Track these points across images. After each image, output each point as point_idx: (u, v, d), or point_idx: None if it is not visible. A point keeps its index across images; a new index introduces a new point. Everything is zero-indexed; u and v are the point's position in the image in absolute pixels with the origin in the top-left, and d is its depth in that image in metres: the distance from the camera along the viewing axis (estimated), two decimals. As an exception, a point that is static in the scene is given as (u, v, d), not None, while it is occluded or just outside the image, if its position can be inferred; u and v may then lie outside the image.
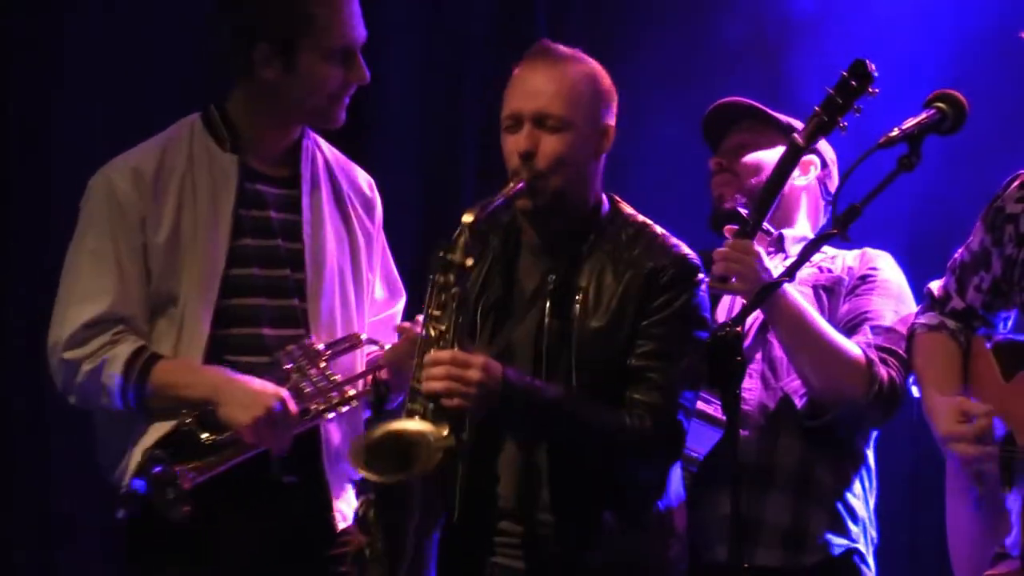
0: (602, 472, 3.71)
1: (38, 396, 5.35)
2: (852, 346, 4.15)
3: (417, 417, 3.60)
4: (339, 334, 4.16)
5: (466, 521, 3.73)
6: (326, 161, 4.27)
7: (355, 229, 4.26)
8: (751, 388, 4.24)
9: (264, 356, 4.07)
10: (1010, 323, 4.04)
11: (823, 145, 4.43)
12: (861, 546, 4.27)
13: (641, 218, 3.86)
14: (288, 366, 4.05)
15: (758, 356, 4.27)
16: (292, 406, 3.97)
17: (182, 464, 3.91)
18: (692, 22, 5.74)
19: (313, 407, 4.04)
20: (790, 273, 3.78)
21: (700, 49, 5.65)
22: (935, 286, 4.13)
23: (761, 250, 4.13)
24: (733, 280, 4.07)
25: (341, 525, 4.11)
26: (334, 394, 4.05)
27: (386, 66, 5.80)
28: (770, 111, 4.45)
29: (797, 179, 4.40)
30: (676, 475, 3.83)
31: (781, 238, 4.37)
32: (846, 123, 4.08)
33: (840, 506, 4.24)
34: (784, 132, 4.33)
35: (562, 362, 3.71)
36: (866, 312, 4.25)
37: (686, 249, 3.80)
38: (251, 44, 4.06)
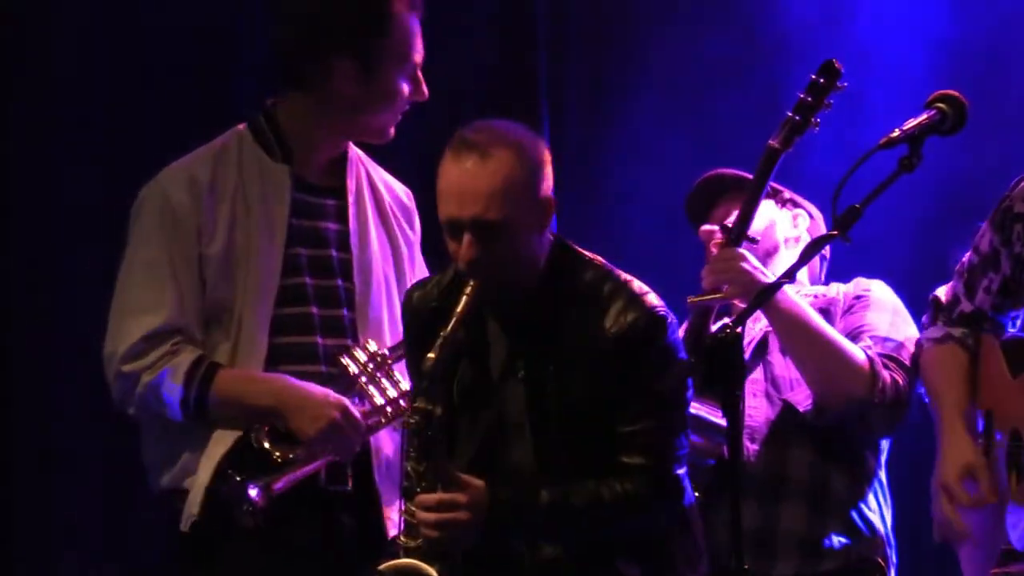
0: (611, 541, 3.72)
1: (37, 397, 5.36)
2: (854, 347, 4.16)
3: (415, 555, 3.67)
4: (388, 342, 4.17)
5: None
6: (368, 173, 4.28)
7: (398, 238, 4.28)
8: (755, 406, 4.25)
9: (318, 365, 4.09)
10: (1019, 323, 4.04)
11: (808, 205, 4.44)
12: (881, 559, 4.29)
13: (598, 260, 3.79)
14: (355, 372, 4.07)
15: (759, 375, 4.28)
16: (356, 414, 4.00)
17: (254, 480, 3.94)
18: (692, 26, 5.74)
19: (382, 416, 4.07)
20: (790, 275, 3.76)
21: (700, 54, 5.65)
22: (941, 292, 4.13)
23: (747, 253, 4.12)
24: (725, 288, 4.08)
25: (392, 532, 4.07)
26: (403, 402, 4.07)
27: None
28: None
29: (788, 231, 4.39)
30: (692, 510, 3.82)
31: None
32: (819, 120, 4.14)
33: (855, 515, 4.26)
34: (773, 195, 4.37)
35: (551, 438, 3.69)
36: (862, 326, 4.25)
37: (650, 297, 3.71)
38: (331, 59, 4.06)
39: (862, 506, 4.27)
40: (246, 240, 4.09)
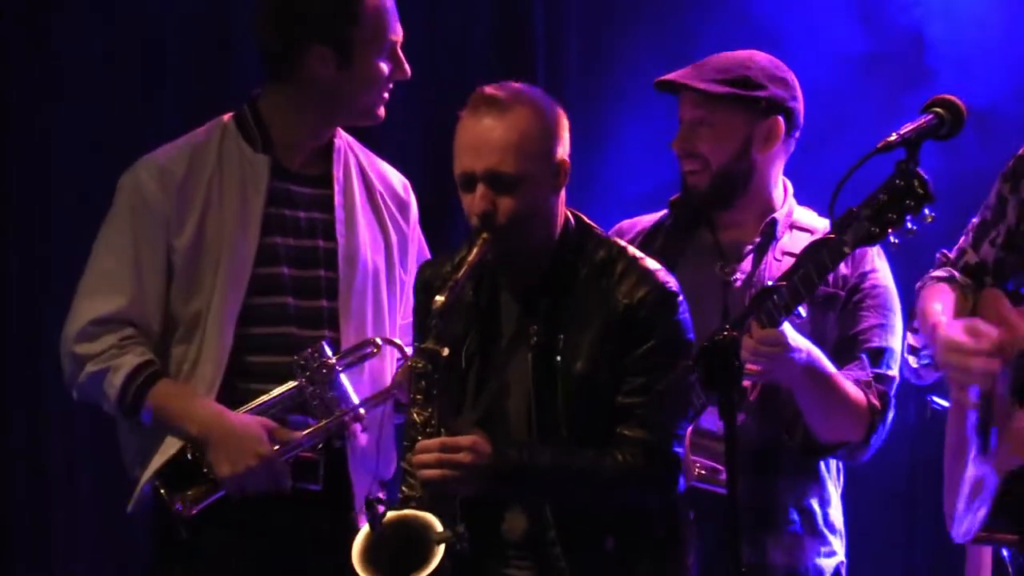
0: (605, 513, 3.72)
1: (36, 396, 5.37)
2: (858, 395, 4.15)
3: (414, 504, 3.65)
4: (369, 333, 4.17)
5: (472, 556, 3.70)
6: (359, 161, 4.28)
7: (389, 229, 4.27)
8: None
9: (290, 356, 4.09)
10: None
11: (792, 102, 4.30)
12: (841, 555, 4.29)
13: (613, 239, 3.83)
14: (300, 380, 4.07)
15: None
16: (277, 461, 4.00)
17: (179, 494, 3.98)
18: (690, 24, 5.75)
19: (323, 433, 4.08)
20: (789, 277, 3.77)
21: (697, 51, 5.65)
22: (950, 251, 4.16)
23: (788, 328, 4.01)
24: (761, 367, 4.01)
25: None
26: (346, 418, 4.08)
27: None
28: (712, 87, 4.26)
29: (762, 151, 4.25)
30: (681, 499, 3.83)
31: (773, 223, 4.28)
32: (897, 240, 3.72)
33: (826, 528, 4.26)
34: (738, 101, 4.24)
35: (551, 407, 3.70)
36: (857, 333, 4.22)
37: (662, 274, 3.74)
38: (307, 45, 4.08)
39: (829, 512, 4.28)
40: (218, 229, 4.10)
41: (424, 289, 3.84)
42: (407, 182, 4.39)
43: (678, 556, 3.81)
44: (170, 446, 4.06)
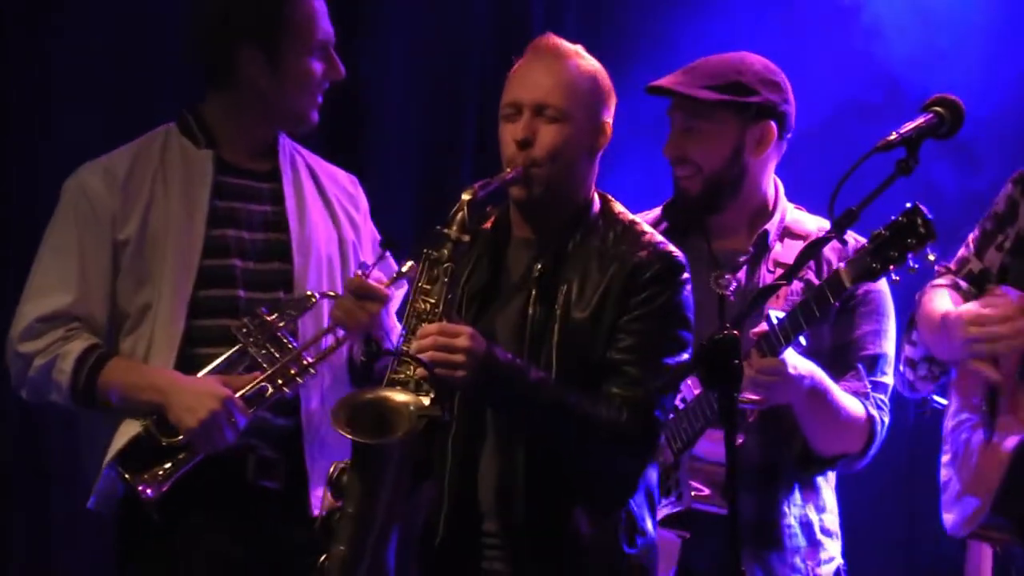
0: (576, 466, 3.71)
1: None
2: (858, 408, 4.16)
3: (400, 387, 3.62)
4: (325, 324, 4.17)
5: (452, 525, 3.75)
6: (305, 160, 4.31)
7: (341, 220, 4.29)
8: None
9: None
10: None
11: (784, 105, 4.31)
12: (839, 557, 4.30)
13: (631, 216, 3.87)
14: (243, 342, 4.08)
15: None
16: (239, 403, 4.00)
17: (139, 475, 3.97)
18: (691, 22, 5.75)
19: (274, 383, 4.07)
20: (787, 277, 3.76)
21: (699, 50, 5.65)
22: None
23: (790, 354, 4.02)
24: (763, 395, 4.03)
25: (316, 512, 4.10)
26: (292, 366, 4.08)
27: (385, 65, 5.81)
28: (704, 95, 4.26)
29: (754, 155, 4.26)
30: (651, 478, 3.82)
31: (765, 235, 4.28)
32: (899, 277, 3.88)
33: (823, 535, 4.27)
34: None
35: (544, 351, 3.72)
36: (852, 340, 4.22)
37: (672, 248, 3.79)
38: (235, 50, 4.11)
39: (827, 518, 4.30)
40: (164, 222, 4.12)
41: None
42: (354, 177, 4.41)
43: (639, 532, 3.78)
44: (126, 432, 4.06)
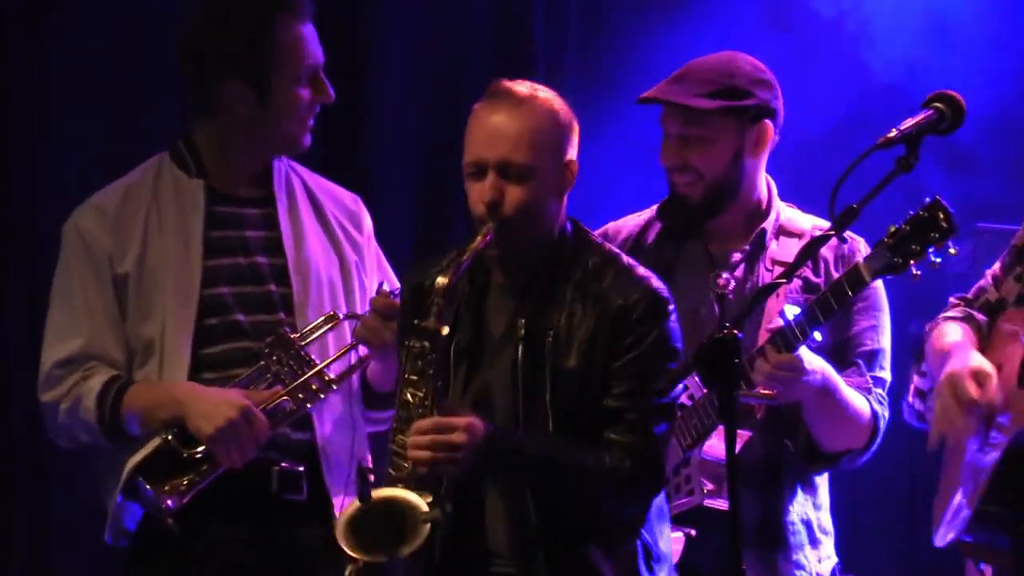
0: (583, 512, 3.71)
1: (34, 396, 5.35)
2: (863, 404, 4.16)
3: (401, 484, 3.62)
4: (330, 345, 4.18)
5: (454, 563, 3.73)
6: (303, 181, 4.29)
7: (341, 242, 4.27)
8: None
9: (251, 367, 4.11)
10: None
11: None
12: (834, 556, 4.30)
13: (607, 247, 3.83)
14: (266, 360, 4.08)
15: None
16: (258, 414, 4.00)
17: (160, 486, 3.97)
18: (691, 25, 5.74)
19: (295, 398, 4.07)
20: (788, 275, 3.74)
21: (700, 49, 5.65)
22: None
23: (804, 351, 4.01)
24: (776, 391, 4.01)
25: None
26: (314, 381, 4.08)
27: (385, 65, 5.81)
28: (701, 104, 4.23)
29: (752, 156, 4.24)
30: (657, 504, 3.81)
31: (763, 234, 4.28)
32: (919, 272, 3.84)
33: (821, 533, 4.28)
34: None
35: (538, 403, 3.69)
36: (851, 337, 4.22)
37: (654, 281, 3.75)
38: (220, 83, 4.09)
39: (822, 516, 4.30)
40: (160, 254, 4.13)
41: (412, 292, 3.82)
42: (357, 196, 4.39)
43: (655, 560, 3.79)
44: (143, 451, 4.06)
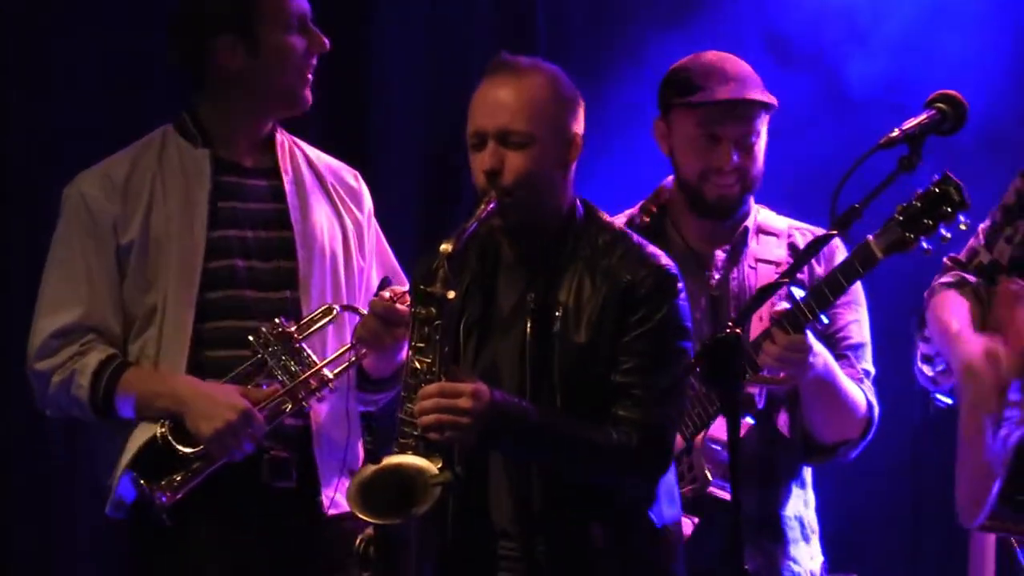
0: (592, 488, 3.70)
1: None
2: (859, 396, 4.17)
3: (410, 451, 3.60)
4: (329, 334, 4.17)
5: (463, 542, 3.73)
6: (305, 155, 4.28)
7: (344, 216, 4.27)
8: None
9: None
10: None
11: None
12: (820, 554, 4.32)
13: (617, 225, 3.83)
14: (261, 352, 4.07)
15: None
16: (256, 415, 4.00)
17: (156, 482, 3.97)
18: (694, 22, 5.74)
19: (290, 399, 4.06)
20: (789, 274, 3.76)
21: (699, 44, 5.65)
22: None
23: (811, 336, 4.03)
24: (782, 375, 4.02)
25: (332, 512, 4.12)
26: (312, 381, 4.08)
27: (387, 61, 5.81)
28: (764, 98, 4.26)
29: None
30: (667, 484, 3.80)
31: (745, 232, 4.29)
32: (931, 247, 3.83)
33: (811, 531, 4.30)
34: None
35: (546, 378, 3.69)
36: (836, 331, 4.23)
37: (664, 259, 3.75)
38: (210, 40, 4.09)
39: (811, 514, 4.33)
40: (164, 225, 4.11)
41: (423, 278, 3.78)
42: (357, 173, 4.38)
43: (664, 543, 3.78)
44: (141, 436, 4.05)
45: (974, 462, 4.03)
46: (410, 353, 3.66)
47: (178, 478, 4.00)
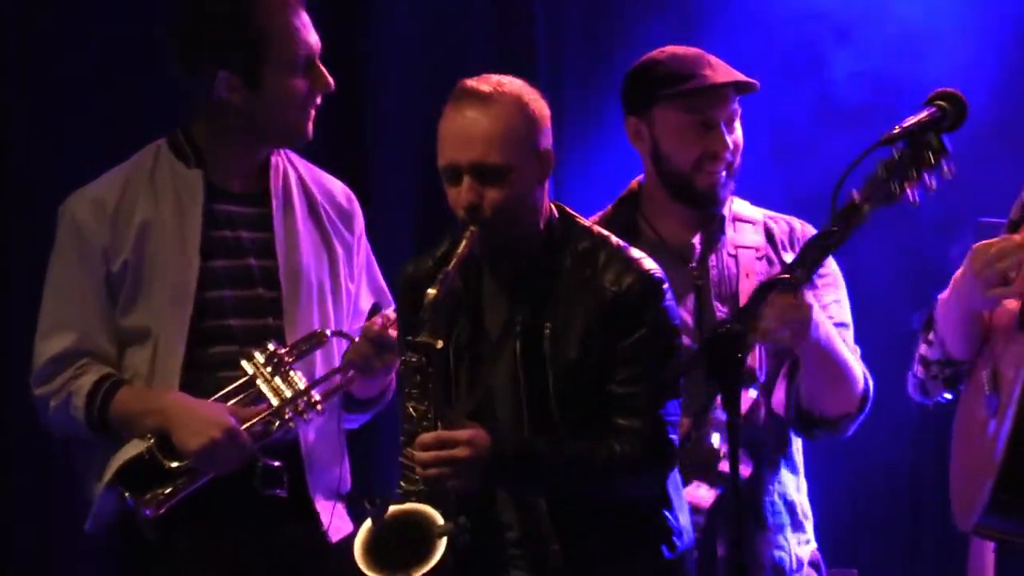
0: (601, 500, 3.72)
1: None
2: (857, 367, 4.17)
3: (413, 499, 3.62)
4: (317, 356, 4.17)
5: (475, 551, 3.70)
6: (299, 176, 4.26)
7: (332, 242, 4.25)
8: None
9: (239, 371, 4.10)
10: None
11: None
12: (814, 541, 4.31)
13: (595, 229, 3.82)
14: (251, 374, 4.08)
15: None
16: (241, 433, 4.00)
17: (141, 495, 3.99)
18: (689, 16, 5.75)
19: (278, 419, 4.07)
20: (791, 270, 3.77)
21: (698, 42, 5.66)
22: None
23: (812, 299, 4.03)
24: (784, 333, 3.98)
25: (335, 538, 4.14)
26: (300, 402, 4.08)
27: (385, 60, 5.81)
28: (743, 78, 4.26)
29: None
30: (675, 482, 3.81)
31: (722, 220, 4.28)
32: (918, 200, 3.76)
33: (803, 516, 4.28)
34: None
35: (542, 398, 3.70)
36: (823, 310, 4.19)
37: (647, 262, 3.74)
38: (212, 74, 4.05)
39: (804, 500, 4.31)
40: (158, 247, 4.11)
41: (410, 287, 3.81)
42: (351, 193, 4.36)
43: (674, 539, 3.79)
44: (124, 454, 4.07)
45: (964, 463, 4.03)
46: (404, 399, 3.67)
47: (163, 492, 4.02)
